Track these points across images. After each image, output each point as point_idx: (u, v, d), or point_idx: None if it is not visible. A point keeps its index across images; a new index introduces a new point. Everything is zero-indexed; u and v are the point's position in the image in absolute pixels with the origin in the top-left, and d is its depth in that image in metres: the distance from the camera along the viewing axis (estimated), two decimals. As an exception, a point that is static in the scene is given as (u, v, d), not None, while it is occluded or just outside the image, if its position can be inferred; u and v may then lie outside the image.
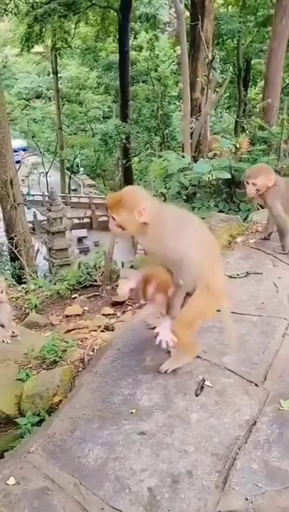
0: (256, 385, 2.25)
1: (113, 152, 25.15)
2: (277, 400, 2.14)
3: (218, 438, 1.99)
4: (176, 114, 19.22)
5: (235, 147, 5.58)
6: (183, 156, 6.39)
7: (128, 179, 21.07)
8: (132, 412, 2.13)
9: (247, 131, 5.89)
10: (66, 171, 28.78)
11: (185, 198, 6.10)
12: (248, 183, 3.55)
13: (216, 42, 16.40)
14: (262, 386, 2.24)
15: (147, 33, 21.58)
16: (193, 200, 6.05)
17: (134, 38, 23.32)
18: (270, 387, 2.22)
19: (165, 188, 5.95)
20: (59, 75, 27.47)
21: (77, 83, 29.38)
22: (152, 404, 2.17)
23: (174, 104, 19.27)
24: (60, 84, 27.95)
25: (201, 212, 5.61)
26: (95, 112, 28.84)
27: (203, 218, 3.80)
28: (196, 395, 2.20)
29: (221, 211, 5.76)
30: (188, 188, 5.95)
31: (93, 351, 2.99)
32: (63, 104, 28.36)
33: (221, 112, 20.31)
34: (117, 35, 20.64)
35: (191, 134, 8.40)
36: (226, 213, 5.71)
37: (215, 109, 21.61)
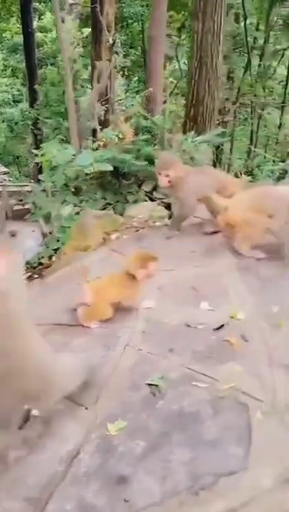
0: (86, 408, 2.09)
1: (26, 138, 24.12)
2: (105, 423, 2.00)
3: (34, 478, 1.80)
4: (85, 98, 18.68)
5: (118, 137, 5.39)
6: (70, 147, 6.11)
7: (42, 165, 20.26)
8: None
9: (131, 121, 5.70)
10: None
11: (73, 190, 5.85)
12: (160, 173, 3.70)
13: (120, 25, 16.07)
14: (93, 408, 2.08)
15: (52, 14, 20.67)
16: (81, 192, 5.83)
17: (39, 18, 22.29)
18: (101, 409, 2.07)
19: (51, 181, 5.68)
20: None
21: (-19, 65, 27.70)
22: None
23: (83, 87, 18.70)
24: None
25: (89, 205, 5.41)
26: (3, 95, 27.42)
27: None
28: (20, 428, 2.00)
29: (108, 203, 5.59)
30: (77, 179, 5.71)
31: None
32: None
33: (133, 97, 20.04)
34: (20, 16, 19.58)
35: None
36: (114, 205, 5.56)
37: (126, 93, 21.39)
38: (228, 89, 17.69)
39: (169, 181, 3.68)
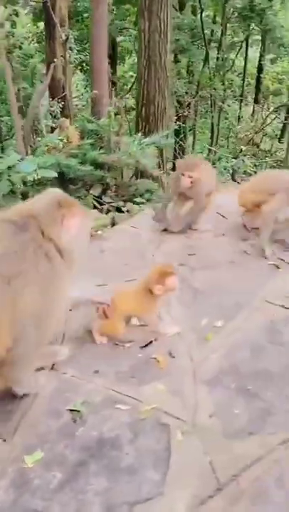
0: (4, 440, 2.05)
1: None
2: (22, 455, 1.96)
3: None
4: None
5: (62, 141, 5.30)
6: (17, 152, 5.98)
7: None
8: None
9: (76, 124, 5.62)
10: None
11: (21, 196, 5.74)
12: (183, 175, 3.86)
13: (74, 20, 15.80)
14: (10, 440, 2.04)
15: (6, 7, 20.19)
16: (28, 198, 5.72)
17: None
18: (19, 440, 2.04)
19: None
20: None
21: None
22: None
23: (42, 82, 18.36)
24: None
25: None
26: None
27: None
28: None
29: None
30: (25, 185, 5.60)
31: None
32: None
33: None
34: None
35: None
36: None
37: (85, 89, 21.09)
38: (188, 82, 17.71)
39: (191, 182, 3.84)
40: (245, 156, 11.94)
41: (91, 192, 5.63)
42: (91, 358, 2.49)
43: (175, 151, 14.14)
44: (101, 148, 5.57)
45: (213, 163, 10.89)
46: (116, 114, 5.59)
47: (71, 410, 2.16)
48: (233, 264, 3.40)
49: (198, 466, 1.92)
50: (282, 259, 3.52)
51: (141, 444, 2.00)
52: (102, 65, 6.92)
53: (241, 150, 10.55)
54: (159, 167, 7.66)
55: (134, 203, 5.62)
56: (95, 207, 5.51)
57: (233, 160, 9.76)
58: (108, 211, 5.47)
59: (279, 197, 3.51)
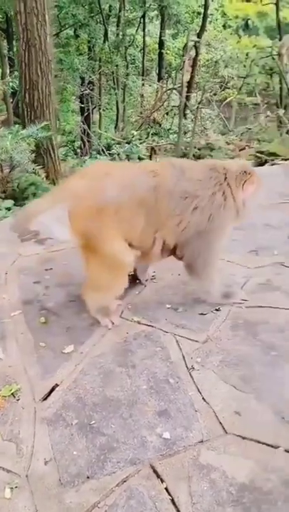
0: None
1: None
2: None
3: None
4: None
5: None
6: None
7: None
8: None
9: None
10: None
11: None
12: None
13: None
14: None
15: None
16: None
17: None
18: None
19: None
20: None
21: None
22: None
23: None
24: None
25: None
26: None
27: None
28: None
29: None
30: None
31: None
32: None
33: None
34: None
35: None
36: None
37: None
38: (89, 58, 17.18)
39: None
40: (146, 136, 11.74)
41: None
42: None
43: (83, 132, 13.66)
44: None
45: (108, 148, 10.53)
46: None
47: None
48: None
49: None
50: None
51: None
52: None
53: (133, 135, 10.24)
54: (43, 158, 7.29)
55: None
56: None
57: (127, 145, 9.43)
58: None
59: None
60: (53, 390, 2.32)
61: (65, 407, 2.22)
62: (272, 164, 5.66)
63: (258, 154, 6.35)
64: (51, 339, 2.63)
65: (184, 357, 2.49)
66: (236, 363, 2.45)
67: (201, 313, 2.82)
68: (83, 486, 1.89)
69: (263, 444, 2.03)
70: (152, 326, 2.72)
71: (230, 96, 14.25)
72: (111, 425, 2.13)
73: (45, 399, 2.27)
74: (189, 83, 14.88)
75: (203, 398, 2.25)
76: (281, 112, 9.54)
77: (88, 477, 1.92)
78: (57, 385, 2.34)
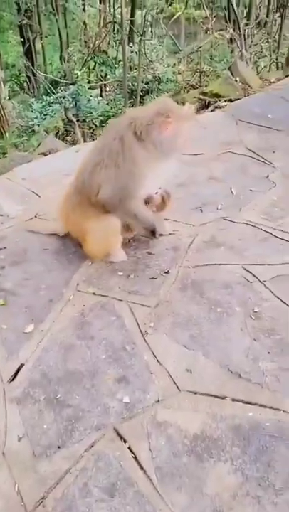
0: None
1: None
2: None
3: None
4: None
5: None
6: None
7: None
8: None
9: None
10: None
11: None
12: None
13: None
14: None
15: None
16: None
17: None
18: None
19: None
20: None
21: None
22: None
23: None
24: None
25: None
26: None
27: None
28: None
29: None
30: None
31: None
32: None
33: None
34: None
35: None
36: None
37: None
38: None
39: None
40: (92, 67, 11.09)
41: None
42: None
43: (26, 67, 12.91)
44: None
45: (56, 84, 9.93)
46: None
47: None
48: (46, 253, 3.29)
49: (6, 499, 1.97)
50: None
51: None
52: None
53: (78, 75, 9.68)
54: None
55: None
56: None
57: (71, 86, 8.82)
58: None
59: None
60: (19, 370, 2.48)
61: (32, 384, 2.40)
62: (213, 109, 5.67)
63: (201, 97, 6.32)
64: (12, 320, 2.76)
65: (138, 323, 2.68)
66: (185, 323, 2.67)
67: (152, 278, 3.00)
68: (55, 455, 2.11)
69: (213, 396, 2.28)
70: (106, 296, 2.88)
71: (178, 12, 13.63)
72: (75, 396, 2.34)
73: (12, 380, 2.43)
74: (133, 2, 14.03)
75: (157, 361, 2.47)
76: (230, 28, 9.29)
77: (59, 447, 2.14)
78: (22, 365, 2.50)
